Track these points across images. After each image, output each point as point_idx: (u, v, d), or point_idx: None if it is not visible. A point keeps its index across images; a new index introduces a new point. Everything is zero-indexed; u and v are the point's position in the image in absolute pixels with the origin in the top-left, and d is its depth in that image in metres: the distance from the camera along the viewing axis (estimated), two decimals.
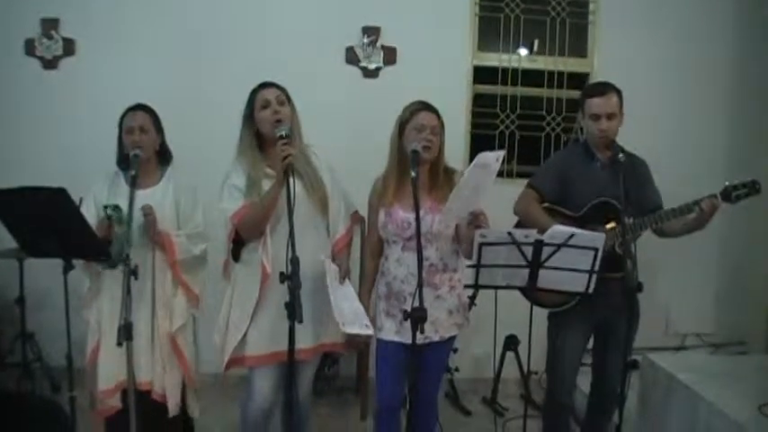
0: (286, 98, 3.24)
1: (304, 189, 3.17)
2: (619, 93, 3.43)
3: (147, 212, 3.26)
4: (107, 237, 3.21)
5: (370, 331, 3.14)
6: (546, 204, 3.55)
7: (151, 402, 3.39)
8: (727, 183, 3.24)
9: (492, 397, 5.04)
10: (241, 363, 3.25)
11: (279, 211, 3.10)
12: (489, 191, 2.86)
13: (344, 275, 3.29)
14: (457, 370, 5.11)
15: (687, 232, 3.41)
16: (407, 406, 2.93)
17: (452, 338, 3.33)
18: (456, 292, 3.28)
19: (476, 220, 2.88)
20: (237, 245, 3.26)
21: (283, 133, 3.03)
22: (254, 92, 3.24)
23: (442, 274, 3.21)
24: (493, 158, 2.75)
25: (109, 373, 3.34)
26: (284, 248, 2.95)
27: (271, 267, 3.11)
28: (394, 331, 3.23)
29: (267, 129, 3.17)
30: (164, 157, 3.56)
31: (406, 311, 2.75)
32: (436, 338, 3.18)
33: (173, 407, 3.45)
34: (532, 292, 3.15)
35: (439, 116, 3.20)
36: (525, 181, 3.71)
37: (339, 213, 3.36)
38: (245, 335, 3.20)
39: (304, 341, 3.12)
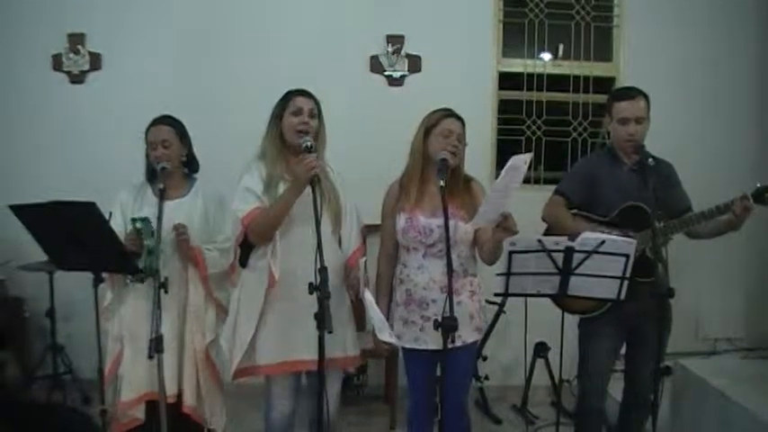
0: (318, 112, 3.24)
1: (321, 203, 3.15)
2: (646, 97, 3.41)
3: (181, 232, 3.28)
4: (136, 250, 3.23)
5: (395, 340, 3.11)
6: (574, 210, 3.54)
7: (178, 415, 3.41)
8: (759, 184, 3.17)
9: (522, 405, 5.01)
10: (252, 372, 3.22)
11: (292, 219, 3.10)
12: (514, 194, 2.83)
13: (365, 284, 3.27)
14: (487, 378, 5.08)
15: (720, 233, 3.35)
16: (438, 415, 2.91)
17: (474, 343, 3.32)
18: (476, 297, 3.27)
19: (504, 222, 2.87)
20: (246, 249, 3.25)
21: (308, 144, 3.02)
22: (290, 94, 3.24)
23: (462, 280, 3.20)
24: (522, 161, 2.75)
25: (132, 384, 3.36)
26: (294, 257, 3.03)
27: (278, 274, 3.10)
28: (413, 339, 3.22)
29: (290, 135, 3.17)
30: (191, 167, 3.59)
31: (436, 321, 2.75)
32: (459, 344, 3.16)
33: (210, 419, 3.51)
34: (563, 299, 3.12)
35: (463, 125, 3.20)
36: (552, 187, 3.69)
37: (352, 229, 3.35)
38: (253, 343, 3.17)
39: (310, 353, 3.03)
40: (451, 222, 3.00)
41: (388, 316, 3.30)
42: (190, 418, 3.46)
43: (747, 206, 3.12)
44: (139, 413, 3.41)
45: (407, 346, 3.25)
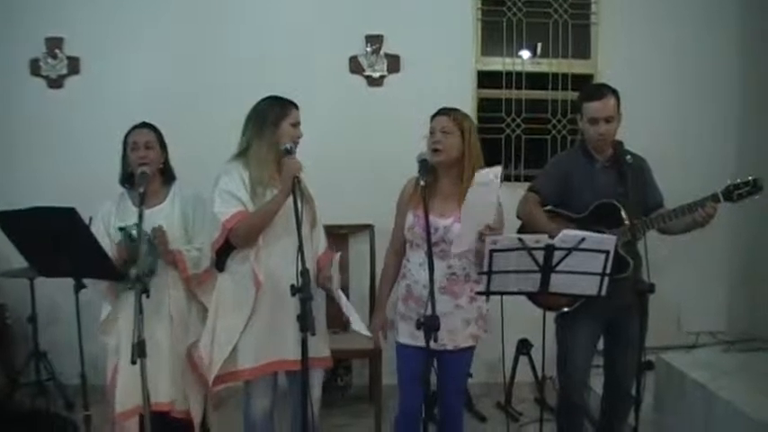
0: None
1: (302, 204, 3.16)
2: (616, 94, 3.42)
3: (158, 235, 3.27)
4: (128, 257, 3.21)
5: (368, 333, 3.22)
6: (549, 207, 3.56)
7: (171, 421, 3.40)
8: (729, 181, 3.22)
9: (506, 402, 5.02)
10: (234, 378, 3.22)
11: (274, 222, 3.12)
12: (495, 205, 2.95)
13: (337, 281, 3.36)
14: (470, 375, 5.08)
15: (689, 230, 3.39)
16: (425, 414, 2.90)
17: (470, 349, 3.33)
18: (476, 303, 3.28)
19: (485, 233, 2.94)
20: (221, 255, 3.25)
21: (288, 147, 3.09)
22: (288, 104, 3.26)
23: (463, 284, 3.22)
24: (492, 175, 2.82)
25: (125, 396, 3.34)
26: (277, 259, 3.06)
27: (263, 277, 3.12)
28: (409, 334, 3.23)
29: (287, 144, 3.18)
30: (167, 175, 3.59)
31: (419, 320, 2.76)
32: (450, 347, 3.18)
33: (198, 424, 3.49)
34: (541, 297, 3.12)
35: (455, 117, 3.21)
36: None
37: (321, 231, 3.44)
38: (235, 348, 3.17)
39: (292, 353, 3.10)
40: (457, 225, 3.09)
41: (390, 310, 3.37)
42: (181, 421, 3.46)
43: (716, 207, 3.19)
44: (133, 424, 3.39)
45: (402, 341, 3.28)
